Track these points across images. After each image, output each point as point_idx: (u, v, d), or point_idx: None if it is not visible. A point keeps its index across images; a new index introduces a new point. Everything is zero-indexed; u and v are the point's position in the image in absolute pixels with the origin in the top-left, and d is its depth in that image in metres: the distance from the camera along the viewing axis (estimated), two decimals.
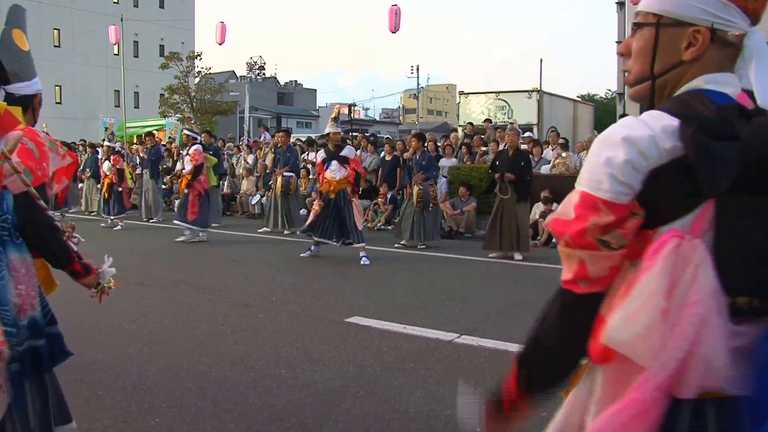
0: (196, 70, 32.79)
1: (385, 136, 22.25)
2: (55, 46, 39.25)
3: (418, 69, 49.27)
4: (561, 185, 10.56)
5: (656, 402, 0.97)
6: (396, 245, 9.61)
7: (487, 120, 16.06)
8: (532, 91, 17.60)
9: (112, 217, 12.15)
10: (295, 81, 63.13)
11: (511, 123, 13.86)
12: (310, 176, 13.86)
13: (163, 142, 16.35)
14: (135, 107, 38.61)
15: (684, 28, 1.08)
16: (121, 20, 19.48)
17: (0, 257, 1.95)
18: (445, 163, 12.09)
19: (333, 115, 9.07)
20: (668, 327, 0.95)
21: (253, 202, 14.09)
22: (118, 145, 16.60)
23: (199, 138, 10.62)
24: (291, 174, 11.32)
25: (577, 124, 19.04)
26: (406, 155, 11.30)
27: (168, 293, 6.31)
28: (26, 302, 2.01)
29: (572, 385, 1.18)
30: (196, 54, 33.18)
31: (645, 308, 0.96)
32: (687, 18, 1.08)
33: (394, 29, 15.56)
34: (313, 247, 8.41)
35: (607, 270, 1.03)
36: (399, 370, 4.03)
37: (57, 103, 39.36)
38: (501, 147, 10.03)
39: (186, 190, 9.97)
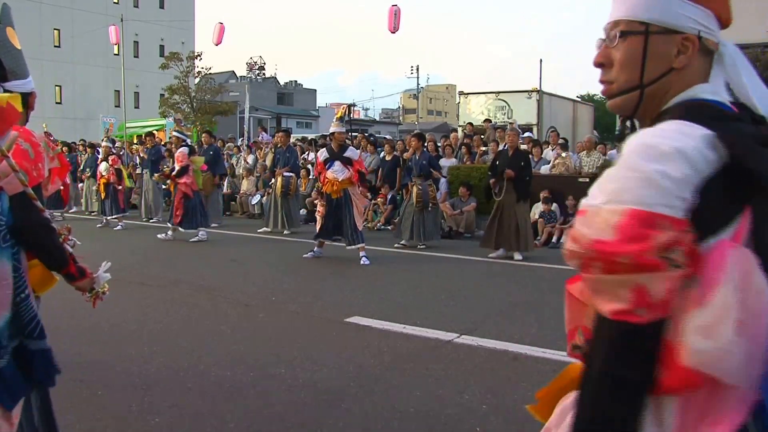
0: (196, 70, 32.78)
1: (385, 136, 22.25)
2: (55, 46, 39.25)
3: (417, 69, 49.37)
4: (561, 185, 10.59)
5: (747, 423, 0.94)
6: (396, 245, 9.62)
7: (487, 120, 16.06)
8: (532, 91, 17.58)
9: (108, 218, 12.20)
10: (295, 81, 63.15)
11: (510, 123, 13.86)
12: (311, 176, 13.86)
13: (163, 142, 16.34)
14: (135, 107, 38.63)
15: (673, 35, 1.08)
16: (121, 20, 19.51)
17: None
18: (444, 163, 12.09)
19: (338, 115, 8.99)
20: (748, 340, 0.92)
21: (253, 202, 14.10)
22: (118, 144, 16.67)
23: (187, 140, 10.73)
24: (291, 174, 11.32)
25: (576, 124, 19.03)
26: (405, 155, 11.30)
27: (168, 293, 6.31)
28: None
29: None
30: (196, 54, 33.17)
31: (724, 323, 0.92)
32: (676, 26, 1.08)
33: (394, 29, 15.58)
34: (315, 248, 8.41)
35: (667, 292, 0.95)
36: (399, 370, 4.04)
37: (57, 103, 39.38)
38: (501, 147, 10.03)
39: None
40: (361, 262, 7.94)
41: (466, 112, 17.99)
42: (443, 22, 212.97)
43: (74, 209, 15.26)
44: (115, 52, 31.43)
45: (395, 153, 12.42)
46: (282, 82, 61.62)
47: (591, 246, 0.97)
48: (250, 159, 15.50)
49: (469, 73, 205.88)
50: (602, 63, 1.15)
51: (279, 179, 11.12)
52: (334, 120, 8.78)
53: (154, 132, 16.50)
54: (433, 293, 6.38)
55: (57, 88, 39.56)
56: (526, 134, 13.29)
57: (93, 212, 14.55)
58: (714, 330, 0.92)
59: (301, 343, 4.59)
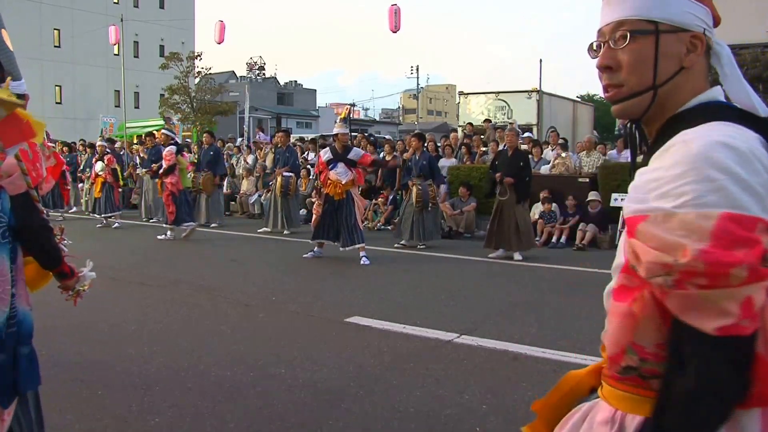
0: (196, 70, 32.76)
1: (385, 136, 22.25)
2: (55, 46, 39.26)
3: (417, 69, 49.42)
4: (561, 185, 10.59)
5: None
6: (396, 245, 9.62)
7: (487, 120, 16.06)
8: (532, 91, 17.59)
9: (103, 216, 12.26)
10: (295, 81, 63.15)
11: (510, 123, 13.86)
12: (311, 176, 13.87)
13: (163, 142, 16.33)
14: (135, 107, 38.62)
15: (681, 34, 1.06)
16: (121, 20, 19.51)
17: None
18: (444, 163, 12.09)
19: (342, 116, 9.02)
20: None
21: (251, 201, 14.11)
22: (118, 144, 16.66)
23: (175, 138, 10.87)
24: (291, 174, 11.33)
25: (576, 124, 19.03)
26: (405, 155, 11.30)
27: (168, 293, 6.31)
28: None
29: None
30: (196, 54, 33.17)
31: None
32: (684, 24, 1.06)
33: (395, 29, 15.59)
34: (315, 249, 8.41)
35: (763, 301, 0.89)
36: (399, 369, 4.04)
37: (57, 103, 39.37)
38: (500, 147, 10.03)
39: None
40: (361, 262, 7.94)
41: (466, 112, 17.99)
42: (443, 22, 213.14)
43: (74, 209, 15.25)
44: (115, 52, 31.44)
45: (395, 153, 12.42)
46: (282, 82, 61.63)
47: (696, 257, 0.87)
48: (250, 159, 15.51)
49: (469, 73, 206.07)
50: (608, 66, 1.10)
51: (279, 179, 11.13)
52: (338, 121, 8.79)
53: (154, 132, 16.48)
54: (433, 293, 6.38)
55: (57, 88, 39.56)
56: (526, 134, 13.30)
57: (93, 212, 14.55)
58: None
59: (301, 343, 4.60)
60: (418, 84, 49.79)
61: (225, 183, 14.64)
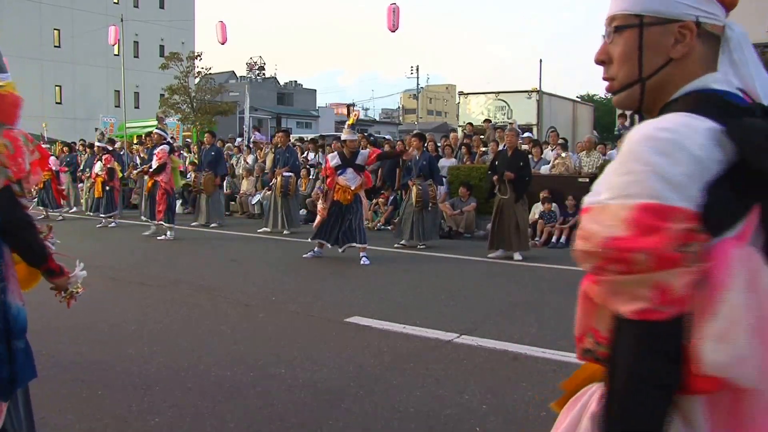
0: (196, 70, 32.78)
1: (385, 136, 22.25)
2: (55, 46, 39.28)
3: (417, 69, 49.40)
4: (560, 185, 10.59)
5: None
6: (396, 245, 9.62)
7: (487, 120, 16.06)
8: (532, 91, 17.59)
9: (101, 215, 12.31)
10: (295, 81, 63.12)
11: (510, 123, 13.85)
12: (311, 176, 13.87)
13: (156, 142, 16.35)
14: (135, 107, 38.62)
15: (668, 25, 1.06)
16: (121, 20, 19.49)
17: None
18: (444, 163, 12.09)
19: (350, 122, 8.98)
20: (763, 343, 0.90)
21: (253, 201, 14.11)
22: (118, 144, 16.66)
23: (167, 138, 10.96)
24: (290, 174, 11.33)
25: (576, 124, 19.03)
26: (405, 155, 11.28)
27: (168, 293, 6.31)
28: None
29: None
30: (196, 54, 33.18)
31: (736, 328, 0.90)
32: (671, 14, 1.05)
33: (393, 28, 15.58)
34: (316, 249, 8.41)
35: (688, 288, 0.92)
36: (399, 369, 4.04)
37: (57, 103, 39.39)
38: (500, 147, 10.03)
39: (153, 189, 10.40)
40: (361, 262, 7.94)
41: (466, 112, 17.99)
42: (443, 22, 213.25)
43: (74, 209, 15.26)
44: (115, 52, 31.42)
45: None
46: (282, 82, 61.62)
47: (605, 244, 0.92)
48: (250, 159, 15.51)
49: (469, 73, 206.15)
50: (603, 60, 1.13)
51: (278, 179, 11.13)
52: (346, 127, 8.75)
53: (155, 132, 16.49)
54: (433, 293, 6.38)
55: (57, 88, 39.58)
56: (526, 134, 13.30)
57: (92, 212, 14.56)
58: (726, 336, 0.90)
59: (301, 343, 4.59)
60: (418, 84, 49.79)
61: (225, 183, 14.66)
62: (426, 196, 9.44)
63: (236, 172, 15.60)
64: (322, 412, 3.35)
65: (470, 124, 15.86)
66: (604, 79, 1.15)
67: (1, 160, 1.96)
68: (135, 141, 19.61)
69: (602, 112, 27.45)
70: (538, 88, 18.57)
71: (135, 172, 12.57)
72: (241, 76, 57.61)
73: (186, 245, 9.86)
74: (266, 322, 5.24)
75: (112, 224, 12.16)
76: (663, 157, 0.93)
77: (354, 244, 8.09)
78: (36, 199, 14.21)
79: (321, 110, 57.81)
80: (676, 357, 0.93)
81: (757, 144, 0.92)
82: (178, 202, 15.36)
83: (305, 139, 18.37)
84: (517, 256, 8.46)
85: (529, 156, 10.14)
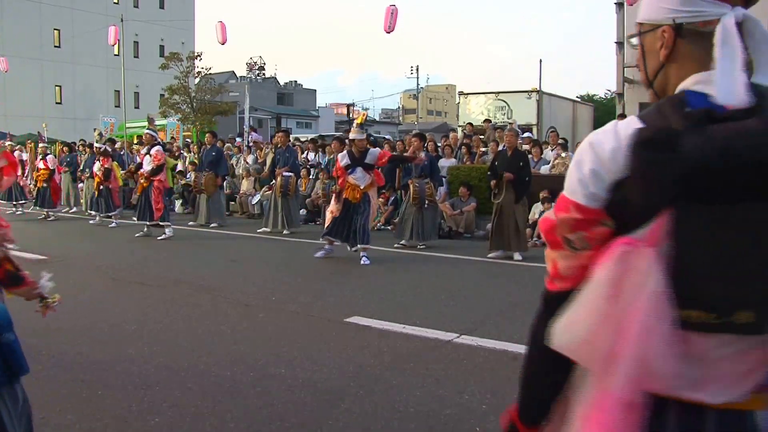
0: (196, 70, 32.78)
1: (385, 136, 22.24)
2: (55, 46, 39.27)
3: (417, 69, 49.38)
4: (560, 185, 10.51)
5: (627, 407, 0.97)
6: (396, 245, 9.62)
7: (487, 120, 16.06)
8: (532, 91, 17.60)
9: (100, 215, 12.37)
10: (295, 81, 63.15)
11: (510, 123, 13.86)
12: (311, 176, 13.86)
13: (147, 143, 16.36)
14: (135, 107, 38.62)
15: (657, 30, 1.10)
16: (121, 20, 19.46)
17: None
18: (444, 163, 12.08)
19: (358, 121, 8.98)
20: (612, 332, 0.95)
21: (253, 201, 14.11)
22: (118, 145, 16.66)
23: (157, 138, 11.07)
24: (290, 174, 11.32)
25: (576, 124, 19.05)
26: (416, 161, 11.28)
27: (168, 293, 6.31)
28: None
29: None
30: (196, 54, 33.18)
31: (588, 313, 0.98)
32: (656, 20, 1.09)
33: (389, 29, 15.56)
34: (327, 246, 8.39)
35: (575, 269, 1.07)
36: (399, 369, 4.04)
37: (57, 103, 39.41)
38: (500, 147, 10.03)
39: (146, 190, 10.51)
40: (362, 262, 7.93)
41: (466, 112, 18.00)
42: (443, 22, 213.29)
43: (74, 209, 15.27)
44: (115, 52, 31.42)
45: (395, 153, 12.40)
46: (282, 82, 61.64)
47: (540, 222, 1.16)
48: (250, 159, 15.51)
49: (469, 74, 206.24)
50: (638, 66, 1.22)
51: (278, 179, 11.13)
52: (354, 126, 8.76)
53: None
54: (433, 293, 6.38)
55: (57, 88, 39.59)
56: (526, 134, 13.29)
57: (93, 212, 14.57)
58: (573, 319, 1.00)
59: (301, 343, 4.60)
60: (418, 84, 49.77)
61: (225, 183, 14.66)
62: (422, 194, 9.45)
63: (236, 172, 15.60)
64: (322, 412, 3.35)
65: (470, 124, 15.86)
66: None
67: None
68: (135, 141, 19.57)
69: (602, 112, 27.41)
70: (538, 88, 18.58)
71: (122, 172, 12.59)
72: (241, 76, 57.63)
73: (186, 245, 9.86)
74: (266, 322, 5.24)
75: (112, 224, 12.17)
76: (579, 156, 1.07)
77: (358, 246, 8.09)
78: (35, 200, 14.23)
79: (321, 110, 57.83)
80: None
81: (637, 155, 0.95)
82: (178, 203, 15.42)
83: (301, 139, 18.37)
84: (517, 256, 8.46)
85: (529, 156, 10.13)
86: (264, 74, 61.01)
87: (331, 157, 11.78)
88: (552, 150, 12.11)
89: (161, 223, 10.39)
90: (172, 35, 42.57)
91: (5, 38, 34.47)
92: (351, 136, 8.64)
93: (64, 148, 16.39)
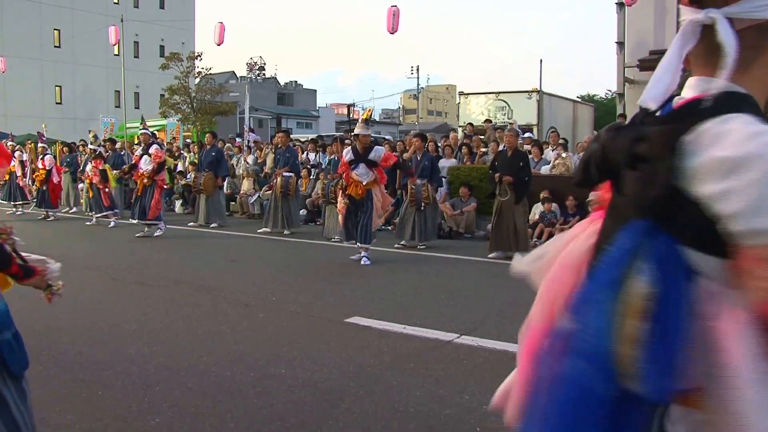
0: (197, 70, 32.76)
1: (385, 137, 22.23)
2: (55, 46, 39.26)
3: (418, 69, 49.50)
4: (561, 185, 10.57)
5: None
6: (396, 245, 9.62)
7: (487, 120, 16.05)
8: (532, 91, 17.58)
9: (96, 216, 12.41)
10: (295, 81, 63.15)
11: (510, 123, 13.85)
12: (311, 176, 13.86)
13: (166, 142, 16.38)
14: (135, 107, 38.58)
15: None
16: (122, 21, 19.49)
17: None
18: (444, 163, 12.08)
19: (364, 116, 8.96)
20: (546, 267, 1.35)
21: (251, 201, 14.12)
22: (118, 145, 16.65)
23: (156, 136, 11.27)
24: (291, 174, 11.32)
25: (577, 124, 19.03)
26: (405, 155, 11.29)
27: (168, 293, 6.31)
28: None
29: None
30: (196, 54, 33.17)
31: (546, 254, 1.43)
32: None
33: (392, 30, 15.57)
34: (363, 253, 8.16)
35: None
36: (399, 369, 4.04)
37: (57, 103, 39.40)
38: (501, 147, 10.03)
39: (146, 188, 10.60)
40: (362, 262, 7.93)
41: (466, 112, 17.98)
42: (443, 22, 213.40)
43: (74, 209, 15.28)
44: (115, 52, 31.44)
45: (395, 153, 12.39)
46: (282, 83, 61.64)
47: None
48: (250, 159, 15.51)
49: (469, 74, 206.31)
50: None
51: (279, 179, 11.13)
52: (360, 122, 8.73)
53: (155, 132, 16.49)
54: (433, 293, 6.37)
55: (57, 88, 39.58)
56: (527, 134, 13.28)
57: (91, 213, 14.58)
58: (537, 254, 1.51)
59: (301, 343, 4.59)
60: (418, 84, 49.85)
61: (225, 183, 14.66)
62: (419, 196, 9.45)
63: (236, 172, 15.60)
64: (322, 412, 3.35)
65: (470, 124, 15.84)
66: None
67: None
68: (135, 141, 19.57)
69: (602, 112, 27.43)
70: (539, 89, 18.56)
71: (115, 172, 12.57)
72: (241, 77, 57.63)
73: (186, 245, 9.86)
74: (266, 322, 5.24)
75: (112, 224, 12.18)
76: None
77: (361, 245, 8.08)
78: (36, 201, 14.23)
79: (321, 110, 57.83)
80: None
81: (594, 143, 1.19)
82: (178, 203, 15.43)
83: (300, 140, 18.37)
84: (517, 256, 8.43)
85: (530, 156, 10.12)
86: (264, 74, 60.99)
87: (332, 157, 11.77)
88: (552, 150, 12.09)
89: (155, 222, 10.56)
90: (172, 35, 42.56)
91: (5, 38, 34.48)
92: (356, 131, 8.62)
93: (64, 149, 16.40)
